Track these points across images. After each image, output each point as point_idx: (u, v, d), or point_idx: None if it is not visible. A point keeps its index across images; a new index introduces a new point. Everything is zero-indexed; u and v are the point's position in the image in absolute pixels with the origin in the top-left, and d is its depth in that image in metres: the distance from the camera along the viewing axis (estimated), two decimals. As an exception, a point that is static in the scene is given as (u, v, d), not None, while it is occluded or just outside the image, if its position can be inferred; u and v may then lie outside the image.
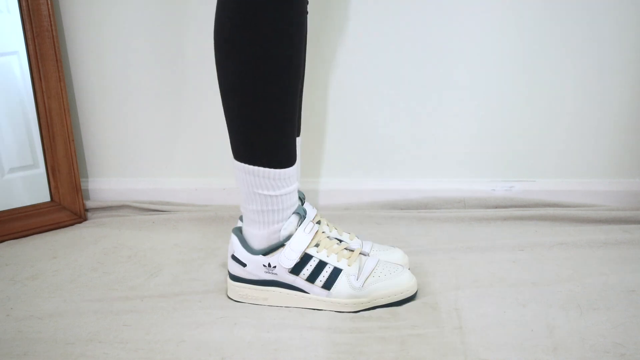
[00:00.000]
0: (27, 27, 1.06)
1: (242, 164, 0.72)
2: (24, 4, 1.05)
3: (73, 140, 1.13)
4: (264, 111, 0.69)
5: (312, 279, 0.73)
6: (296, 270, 0.74)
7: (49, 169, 1.11)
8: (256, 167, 0.71)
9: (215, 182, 1.23)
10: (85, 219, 1.16)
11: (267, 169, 0.71)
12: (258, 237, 0.75)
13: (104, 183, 1.26)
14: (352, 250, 0.77)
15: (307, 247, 0.74)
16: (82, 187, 1.17)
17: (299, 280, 0.74)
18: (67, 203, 1.13)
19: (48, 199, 1.12)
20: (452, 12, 1.08)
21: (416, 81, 1.12)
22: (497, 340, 0.61)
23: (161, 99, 1.20)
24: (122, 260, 0.91)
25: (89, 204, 1.19)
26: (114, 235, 1.05)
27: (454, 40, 1.09)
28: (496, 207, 1.10)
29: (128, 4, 1.15)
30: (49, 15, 1.07)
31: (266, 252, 0.74)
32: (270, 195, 0.72)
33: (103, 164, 1.26)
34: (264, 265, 0.74)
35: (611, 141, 1.11)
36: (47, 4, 1.07)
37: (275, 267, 0.74)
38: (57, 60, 1.09)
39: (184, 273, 0.84)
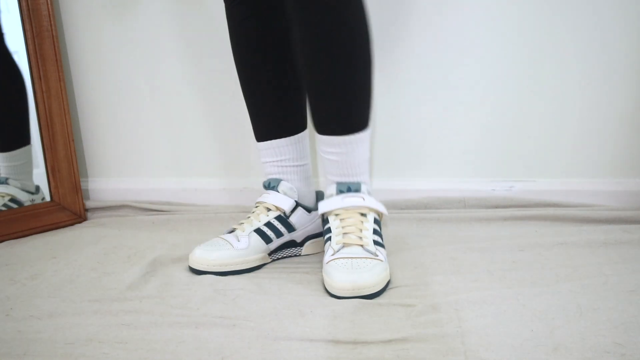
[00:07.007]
0: (27, 27, 1.06)
1: None
2: (24, 4, 1.05)
3: (73, 140, 1.13)
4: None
5: None
6: None
7: (49, 169, 1.11)
8: None
9: (215, 182, 1.23)
10: (85, 219, 1.16)
11: None
12: None
13: (104, 183, 1.26)
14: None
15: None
16: (82, 187, 1.17)
17: None
18: (67, 203, 1.13)
19: (48, 199, 1.12)
20: (453, 11, 1.08)
21: (416, 81, 1.12)
22: (497, 340, 0.61)
23: (161, 99, 1.20)
24: (122, 260, 0.91)
25: (89, 204, 1.19)
26: (114, 235, 1.05)
27: (455, 40, 1.09)
28: (496, 207, 1.10)
29: (128, 3, 1.15)
30: (49, 15, 1.07)
31: None
32: None
33: (103, 164, 1.26)
34: None
35: (611, 141, 1.11)
36: (47, 4, 1.07)
37: None
38: (57, 60, 1.09)
39: (184, 273, 0.84)
